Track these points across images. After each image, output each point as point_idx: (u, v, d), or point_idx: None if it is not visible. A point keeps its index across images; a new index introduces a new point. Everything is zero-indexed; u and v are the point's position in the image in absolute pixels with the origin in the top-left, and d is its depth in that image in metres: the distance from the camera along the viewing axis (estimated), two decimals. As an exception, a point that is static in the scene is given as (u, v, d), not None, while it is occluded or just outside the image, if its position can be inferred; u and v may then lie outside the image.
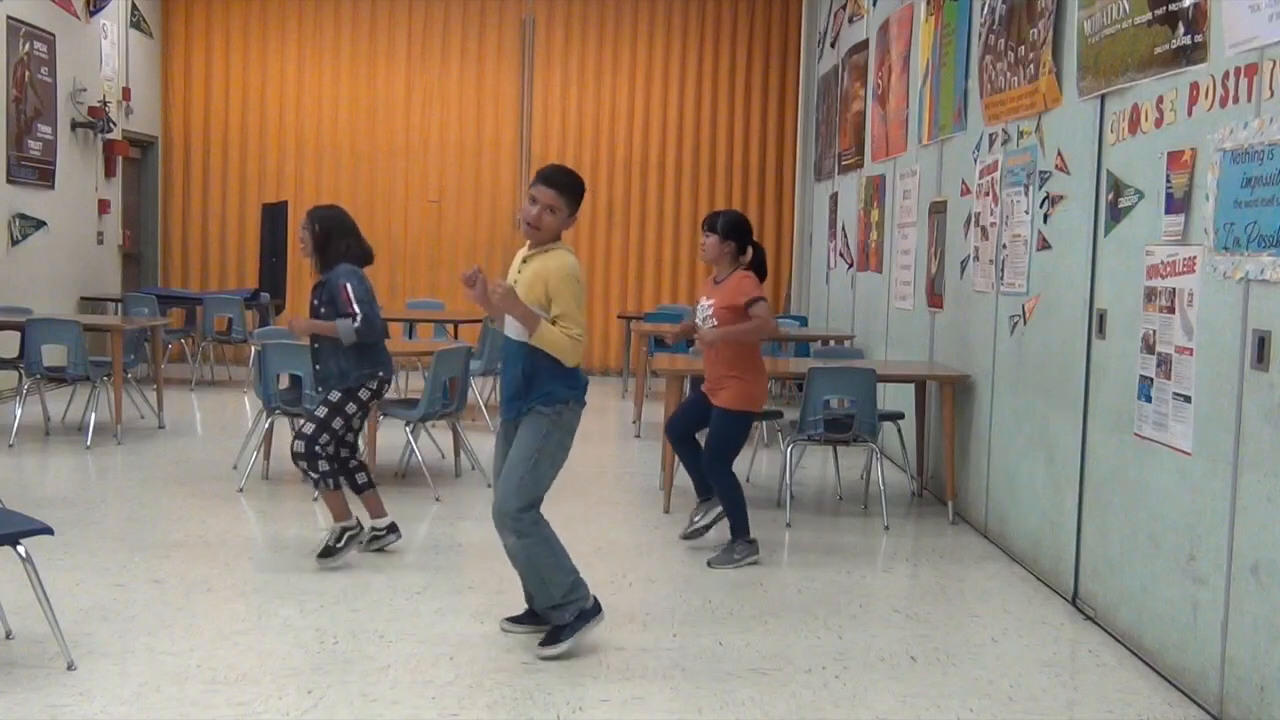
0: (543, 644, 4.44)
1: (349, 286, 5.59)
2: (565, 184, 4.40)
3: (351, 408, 5.66)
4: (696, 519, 6.19)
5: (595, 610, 4.51)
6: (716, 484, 5.91)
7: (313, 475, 5.63)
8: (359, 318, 5.55)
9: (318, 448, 5.57)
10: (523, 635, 4.61)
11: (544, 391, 4.35)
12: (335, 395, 5.62)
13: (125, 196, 13.20)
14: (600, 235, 14.09)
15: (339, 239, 5.70)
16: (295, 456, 5.59)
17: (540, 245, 4.42)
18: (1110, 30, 4.99)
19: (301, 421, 5.79)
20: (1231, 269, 3.97)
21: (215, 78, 14.00)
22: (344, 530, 5.65)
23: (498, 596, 5.16)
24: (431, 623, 4.81)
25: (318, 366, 5.71)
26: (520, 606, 4.71)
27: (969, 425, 6.86)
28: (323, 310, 5.65)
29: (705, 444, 5.97)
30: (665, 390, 7.11)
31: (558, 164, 4.61)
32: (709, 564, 5.77)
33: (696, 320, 6.03)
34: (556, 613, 4.45)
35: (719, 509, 6.00)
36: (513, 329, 4.40)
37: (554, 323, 4.30)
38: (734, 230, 5.93)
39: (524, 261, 4.45)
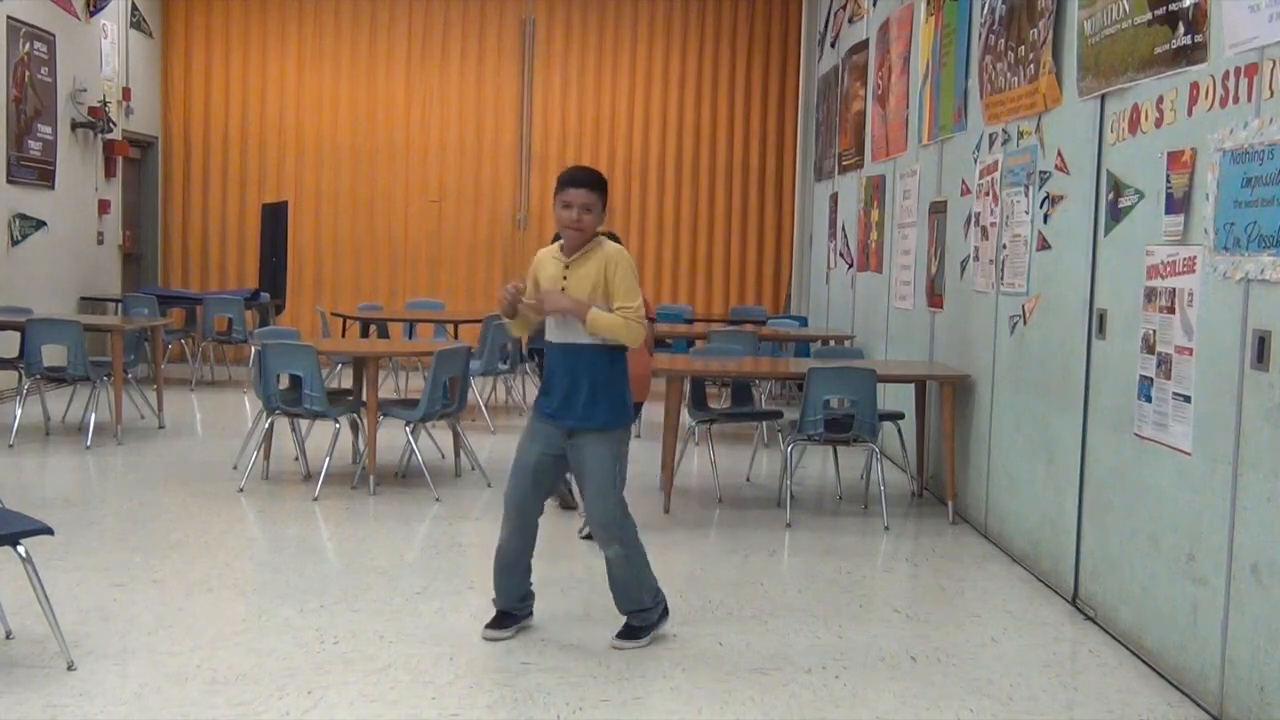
0: (623, 638, 4.55)
1: None
2: (595, 181, 4.47)
3: None
4: None
5: (667, 610, 4.74)
6: None
7: None
8: None
9: None
10: (510, 638, 4.62)
11: (609, 415, 4.47)
12: None
13: (125, 196, 13.19)
14: (600, 235, 14.07)
15: None
16: None
17: (579, 248, 4.46)
18: (1110, 30, 4.99)
19: None
20: (1231, 269, 3.97)
21: (215, 78, 14.00)
22: None
23: (498, 596, 5.16)
24: (431, 623, 4.81)
25: None
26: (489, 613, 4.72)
27: (969, 425, 6.86)
28: None
29: None
30: (665, 390, 7.11)
31: (577, 165, 4.65)
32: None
33: None
34: (639, 614, 4.61)
35: None
36: (575, 334, 4.42)
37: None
38: None
39: (567, 268, 4.43)
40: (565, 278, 4.43)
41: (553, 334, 4.51)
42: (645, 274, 14.10)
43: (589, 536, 5.92)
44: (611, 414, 4.48)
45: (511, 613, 4.69)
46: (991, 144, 6.63)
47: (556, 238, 4.67)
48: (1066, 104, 5.54)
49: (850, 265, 10.59)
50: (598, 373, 4.44)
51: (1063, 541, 5.44)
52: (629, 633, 4.59)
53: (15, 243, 10.64)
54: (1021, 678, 4.40)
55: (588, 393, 4.44)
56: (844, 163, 10.94)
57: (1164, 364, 4.45)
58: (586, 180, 4.45)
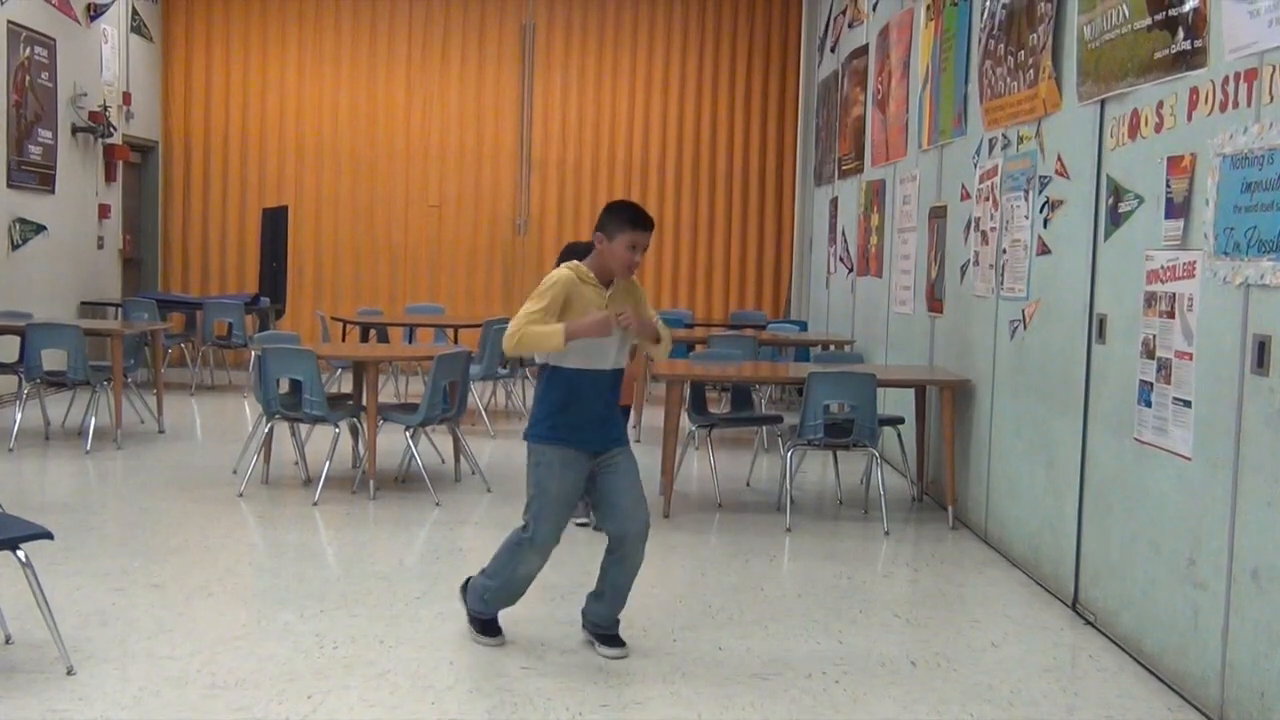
0: (613, 645, 4.53)
1: None
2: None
3: None
4: None
5: None
6: None
7: None
8: None
9: None
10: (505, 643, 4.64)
11: (622, 428, 4.60)
12: None
13: (125, 201, 13.20)
14: (600, 240, 14.06)
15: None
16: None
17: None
18: (1110, 35, 4.99)
19: None
20: (1231, 274, 3.97)
21: (215, 82, 14.01)
22: None
23: (498, 601, 5.15)
24: (431, 627, 4.80)
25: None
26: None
27: (969, 430, 6.86)
28: None
29: None
30: (665, 394, 7.10)
31: (634, 203, 4.51)
32: None
33: None
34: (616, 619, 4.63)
35: None
36: (603, 359, 4.37)
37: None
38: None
39: (609, 300, 4.38)
40: (608, 303, 4.38)
41: (578, 361, 4.33)
42: (645, 278, 14.11)
43: (584, 524, 6.17)
44: (625, 427, 4.71)
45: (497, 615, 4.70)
46: (991, 149, 6.63)
47: (568, 254, 4.72)
48: (1066, 109, 5.54)
49: (850, 270, 10.59)
50: (614, 394, 4.50)
51: (1063, 546, 5.44)
52: (616, 640, 4.56)
53: (15, 247, 10.64)
54: (1022, 682, 4.40)
55: (613, 414, 4.50)
56: (844, 167, 10.95)
57: (1164, 369, 4.45)
58: (652, 225, 4.44)
